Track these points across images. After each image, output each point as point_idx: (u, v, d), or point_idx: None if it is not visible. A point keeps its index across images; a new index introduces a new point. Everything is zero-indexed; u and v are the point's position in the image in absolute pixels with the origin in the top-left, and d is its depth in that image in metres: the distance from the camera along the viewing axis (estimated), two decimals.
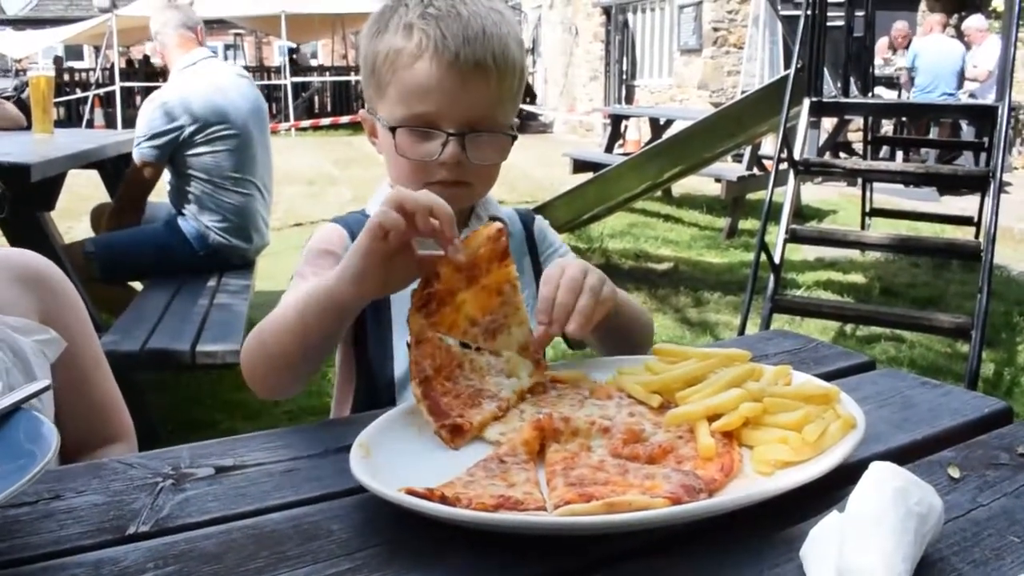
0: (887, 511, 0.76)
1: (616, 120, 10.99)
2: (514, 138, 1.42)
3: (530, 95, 22.48)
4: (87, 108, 20.02)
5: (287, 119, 19.04)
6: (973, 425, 1.12)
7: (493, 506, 0.80)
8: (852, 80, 6.01)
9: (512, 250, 1.55)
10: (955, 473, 0.97)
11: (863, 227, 7.16)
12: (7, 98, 6.20)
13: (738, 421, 0.96)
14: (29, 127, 4.79)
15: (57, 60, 24.75)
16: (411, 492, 0.80)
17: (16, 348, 1.14)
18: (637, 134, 13.36)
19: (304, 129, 18.73)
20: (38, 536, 0.83)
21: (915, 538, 0.75)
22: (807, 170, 4.87)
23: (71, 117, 20.33)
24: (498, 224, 1.10)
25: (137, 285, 4.29)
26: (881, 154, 9.14)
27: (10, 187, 3.25)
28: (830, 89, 5.66)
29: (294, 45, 24.52)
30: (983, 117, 5.86)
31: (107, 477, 0.96)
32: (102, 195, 5.08)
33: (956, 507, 0.89)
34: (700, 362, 1.08)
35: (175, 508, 0.89)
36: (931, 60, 10.64)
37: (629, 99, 18.47)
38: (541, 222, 1.61)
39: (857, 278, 6.64)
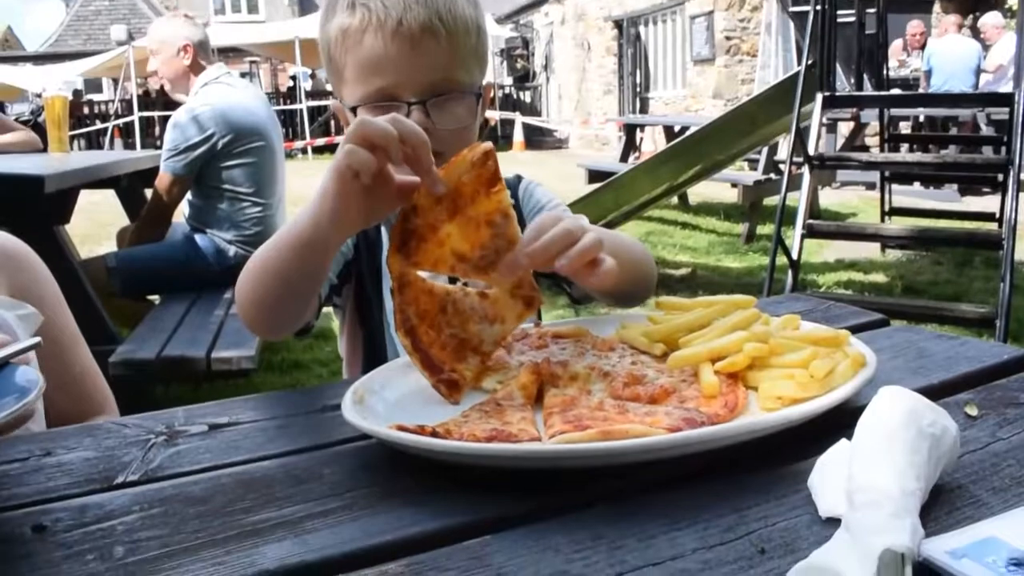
0: (898, 431, 0.72)
1: (630, 130, 10.98)
2: (479, 96, 1.38)
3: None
4: (107, 139, 20.28)
5: (303, 139, 19.22)
6: (991, 371, 1.08)
7: (485, 438, 0.77)
8: (866, 78, 5.96)
9: None
10: (973, 411, 0.94)
11: None
12: (24, 122, 6.26)
13: (743, 361, 0.93)
14: (46, 150, 4.84)
15: (76, 93, 25.10)
16: (401, 428, 0.78)
17: (1, 321, 1.13)
18: (652, 145, 13.33)
19: (320, 149, 18.84)
20: (27, 487, 0.82)
21: (928, 458, 0.72)
22: (822, 165, 4.83)
23: (92, 148, 20.60)
24: (485, 146, 0.99)
25: (156, 299, 4.32)
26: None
27: (25, 200, 3.29)
28: (844, 87, 5.62)
29: (310, 70, 24.74)
30: (999, 105, 5.78)
31: (100, 436, 0.94)
32: (121, 219, 5.12)
33: (974, 441, 0.86)
34: (704, 310, 1.05)
35: (166, 460, 0.87)
36: (946, 60, 10.56)
37: (644, 111, 18.49)
38: (528, 182, 1.57)
39: (878, 277, 6.56)
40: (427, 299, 1.00)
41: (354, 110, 1.32)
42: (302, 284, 1.12)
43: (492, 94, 1.53)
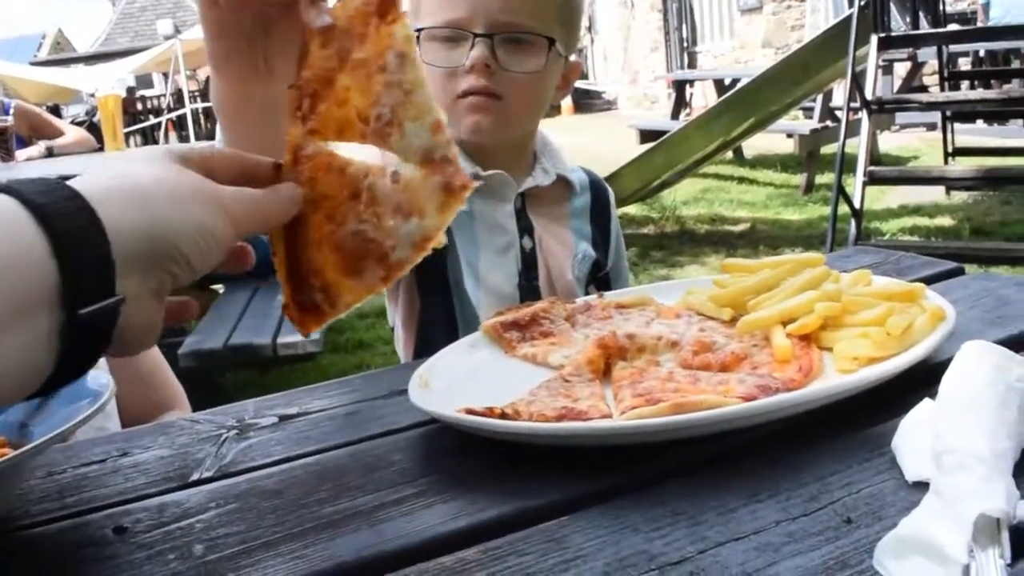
0: (984, 388, 0.69)
1: (680, 86, 10.78)
2: (552, 42, 1.32)
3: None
4: (161, 133, 20.64)
5: None
6: None
7: (555, 417, 0.76)
8: (922, 15, 5.75)
9: (577, 211, 1.48)
10: None
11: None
12: (80, 123, 6.40)
13: (816, 322, 0.90)
14: (103, 149, 4.94)
15: (129, 90, 25.52)
16: (470, 412, 0.77)
17: None
18: (703, 100, 13.09)
19: None
20: (106, 488, 0.83)
21: (1019, 415, 0.69)
22: (881, 109, 4.69)
23: (147, 143, 20.97)
24: None
25: (219, 288, 4.40)
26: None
27: None
28: (899, 26, 5.44)
29: None
30: None
31: (173, 433, 0.95)
32: None
33: None
34: (771, 271, 1.02)
35: (238, 455, 0.87)
36: None
37: (692, 66, 18.13)
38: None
39: (945, 221, 6.38)
40: (333, 179, 0.73)
41: (419, 38, 1.30)
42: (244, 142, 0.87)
43: (576, 75, 1.50)
